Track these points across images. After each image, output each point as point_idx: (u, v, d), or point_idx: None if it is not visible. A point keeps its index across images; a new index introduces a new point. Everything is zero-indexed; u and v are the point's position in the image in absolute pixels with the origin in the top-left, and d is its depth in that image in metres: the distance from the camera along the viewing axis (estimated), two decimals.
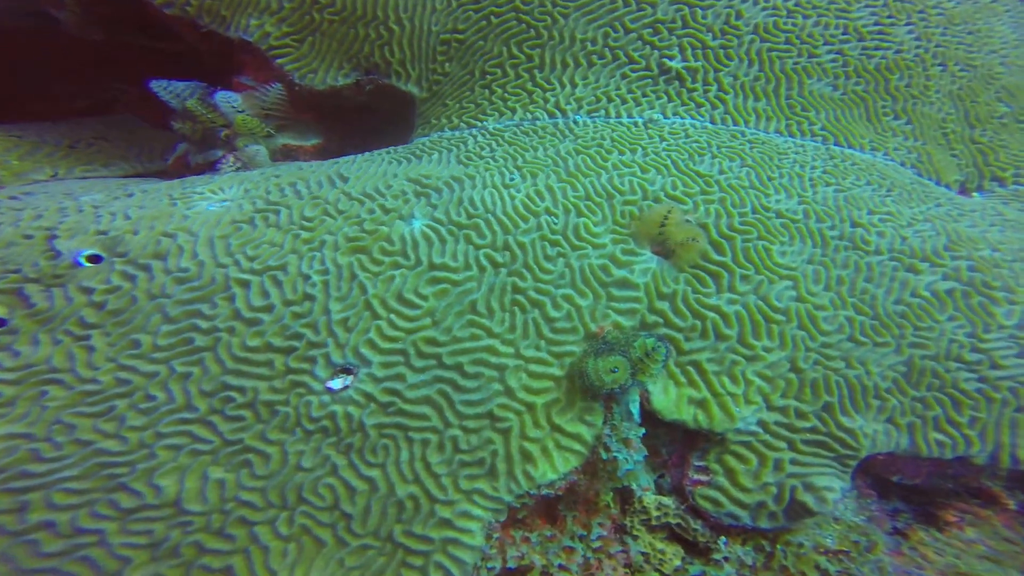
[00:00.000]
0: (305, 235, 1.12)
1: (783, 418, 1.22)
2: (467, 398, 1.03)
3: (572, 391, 1.14)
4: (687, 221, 1.40)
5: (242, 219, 1.15)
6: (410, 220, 1.21)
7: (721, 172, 1.56)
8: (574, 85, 1.86)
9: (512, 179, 1.46)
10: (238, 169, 1.78)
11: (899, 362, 1.28)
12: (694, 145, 1.66)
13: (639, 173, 1.52)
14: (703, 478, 1.20)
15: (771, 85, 1.89)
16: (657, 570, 1.15)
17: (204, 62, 2.28)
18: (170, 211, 1.16)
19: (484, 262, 1.19)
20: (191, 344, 1.02)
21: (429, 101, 1.99)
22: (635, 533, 1.19)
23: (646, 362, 1.12)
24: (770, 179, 1.57)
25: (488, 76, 1.92)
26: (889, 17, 2.09)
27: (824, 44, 1.98)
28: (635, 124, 1.76)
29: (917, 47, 2.12)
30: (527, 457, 1.01)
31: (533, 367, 1.11)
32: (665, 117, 1.81)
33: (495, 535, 0.98)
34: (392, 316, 1.05)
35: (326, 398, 0.97)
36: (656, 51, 1.89)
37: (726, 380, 1.23)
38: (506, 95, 1.86)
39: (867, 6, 2.07)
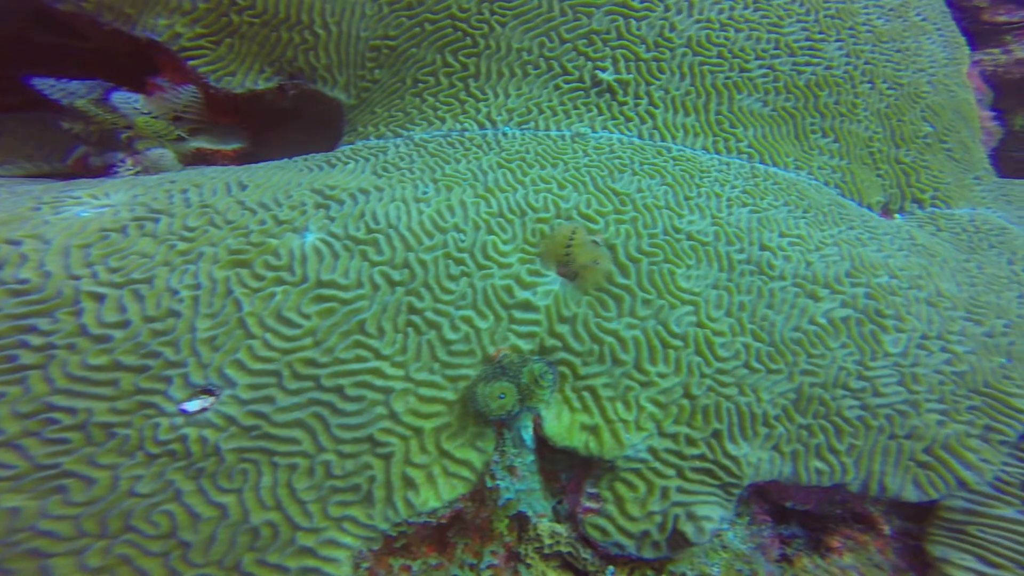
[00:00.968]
0: (182, 246, 1.06)
1: (673, 445, 1.24)
2: (345, 422, 1.01)
3: (465, 416, 1.13)
4: (594, 242, 1.40)
5: (112, 227, 1.08)
6: (303, 233, 1.17)
7: (639, 191, 1.56)
8: (507, 95, 1.82)
9: (425, 192, 1.42)
10: (138, 173, 1.70)
11: (790, 389, 1.32)
12: (616, 161, 1.65)
13: (556, 189, 1.50)
14: (594, 505, 1.22)
15: (701, 100, 1.89)
16: None
17: (119, 63, 2.15)
18: (27, 216, 1.08)
19: (379, 280, 1.16)
20: (13, 362, 0.95)
21: (358, 108, 1.93)
22: (528, 561, 1.20)
23: (534, 389, 1.12)
24: (687, 199, 1.58)
25: (420, 84, 1.86)
26: (820, 33, 2.11)
27: (755, 59, 1.98)
28: (562, 138, 1.74)
29: (847, 64, 2.15)
30: (409, 483, 1.00)
31: (424, 391, 1.10)
32: (593, 131, 1.79)
33: (364, 564, 0.97)
34: (268, 336, 1.01)
35: (178, 420, 0.93)
36: (590, 62, 1.87)
37: (619, 406, 1.25)
38: (438, 104, 1.81)
39: (799, 21, 2.08)
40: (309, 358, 1.01)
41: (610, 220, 1.45)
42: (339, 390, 1.01)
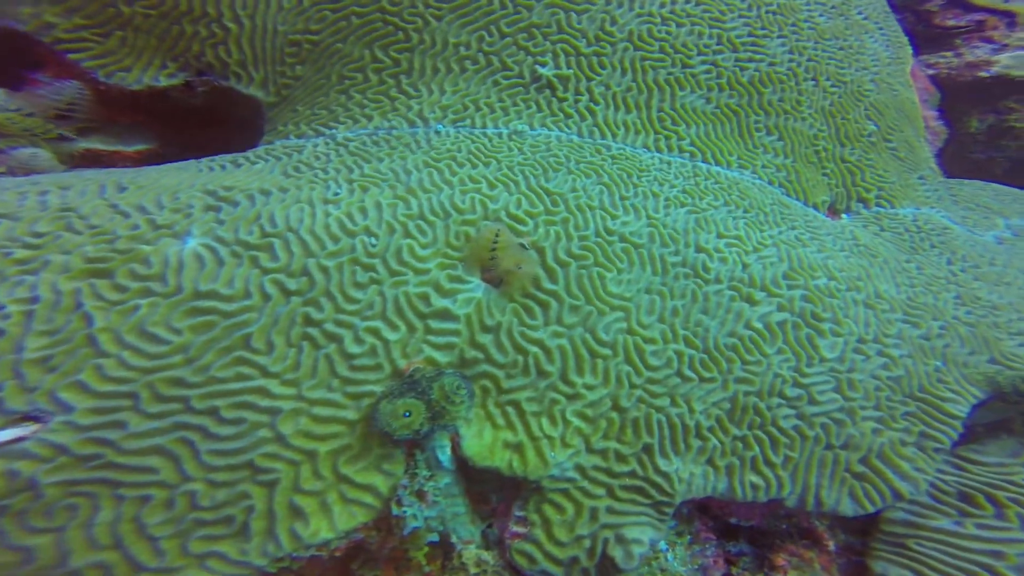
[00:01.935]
0: (21, 254, 0.93)
1: (602, 462, 1.17)
2: (219, 447, 0.89)
3: (369, 436, 1.03)
4: (521, 245, 1.32)
5: None
6: (184, 238, 1.05)
7: (573, 190, 1.49)
8: (442, 92, 1.73)
9: (336, 194, 1.31)
10: (1, 175, 1.53)
11: (724, 399, 1.27)
12: (552, 160, 1.58)
13: (485, 190, 1.42)
14: (521, 530, 1.13)
15: (643, 96, 1.84)
16: None
17: (3, 59, 1.96)
18: None
19: (271, 289, 1.05)
20: None
21: (278, 106, 1.79)
22: None
23: (444, 405, 1.03)
24: (623, 199, 1.52)
25: (347, 81, 1.74)
26: (762, 29, 2.09)
27: (698, 55, 1.95)
28: (499, 136, 1.66)
29: (790, 61, 2.14)
30: (297, 513, 0.90)
31: (319, 410, 1.00)
32: (532, 129, 1.72)
33: None
34: (124, 354, 0.89)
35: None
36: (530, 57, 1.79)
37: (544, 421, 1.17)
38: (365, 101, 1.71)
39: (740, 16, 2.05)
40: (176, 378, 0.90)
41: (540, 222, 1.38)
42: (213, 412, 0.89)
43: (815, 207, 2.05)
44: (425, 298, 1.18)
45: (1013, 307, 1.75)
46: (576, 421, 1.17)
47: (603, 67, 1.82)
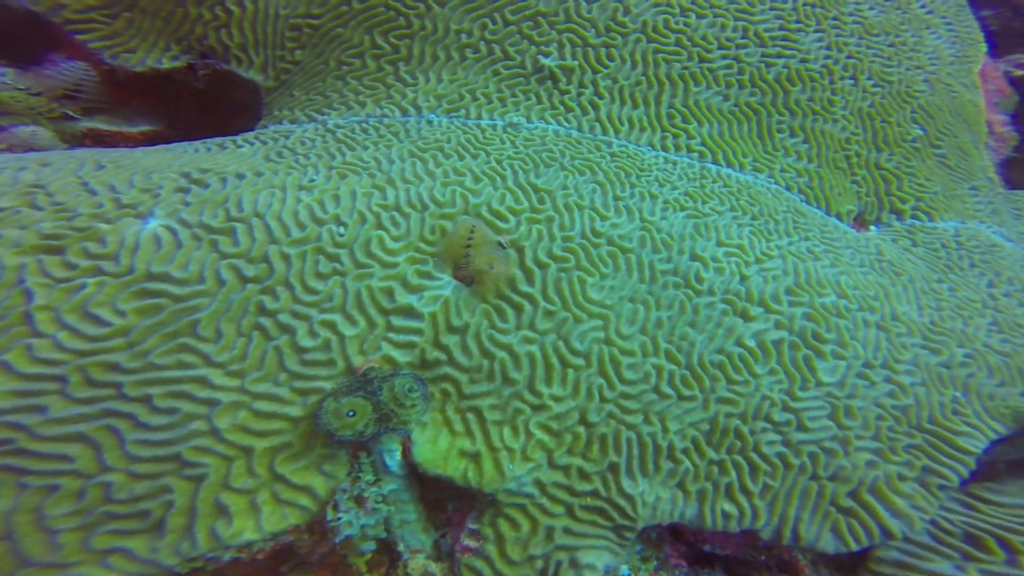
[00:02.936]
0: None
1: (563, 478, 1.12)
2: (147, 437, 0.88)
3: (312, 435, 1.01)
4: (498, 243, 1.27)
5: None
6: (146, 218, 1.06)
7: (563, 188, 1.43)
8: (439, 80, 1.69)
9: (312, 180, 1.30)
10: (1, 152, 1.59)
11: (703, 419, 1.19)
12: (545, 155, 1.52)
13: (468, 183, 1.37)
14: (473, 544, 1.10)
15: (652, 91, 1.75)
16: None
17: (23, 39, 2.04)
18: None
19: (226, 275, 1.05)
20: None
21: (276, 91, 1.80)
22: None
23: (393, 407, 1.00)
24: (617, 199, 1.45)
25: (344, 67, 1.73)
26: (796, 22, 1.96)
27: (719, 48, 1.84)
28: (492, 127, 1.61)
29: (826, 57, 2.00)
30: (220, 511, 0.89)
31: (261, 404, 0.98)
32: (529, 121, 1.66)
33: None
34: (60, 335, 0.89)
35: None
36: (533, 47, 1.73)
37: (506, 431, 1.13)
38: (361, 88, 1.69)
39: (772, 8, 1.93)
40: (112, 362, 0.90)
41: (523, 219, 1.33)
42: (146, 400, 0.89)
43: (839, 217, 1.92)
44: (389, 293, 1.15)
45: None
46: (539, 434, 1.13)
47: (611, 59, 1.74)
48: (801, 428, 1.18)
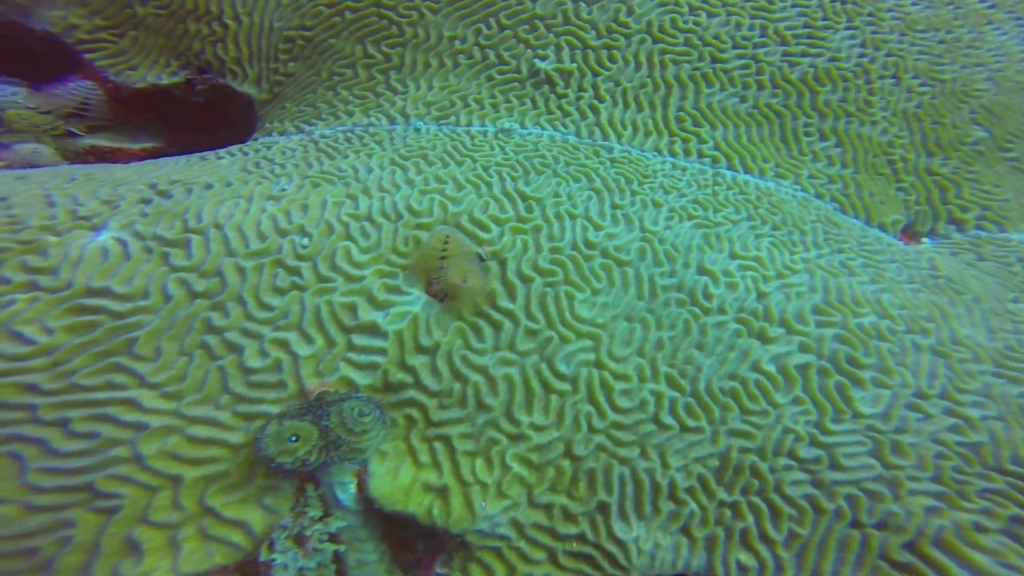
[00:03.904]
0: None
1: (545, 520, 1.02)
2: (55, 465, 0.84)
3: (253, 464, 0.96)
4: (477, 255, 1.22)
5: None
6: (100, 231, 1.06)
7: (554, 195, 1.37)
8: (429, 87, 1.70)
9: (284, 190, 1.29)
10: (16, 173, 1.67)
11: (711, 454, 1.07)
12: (536, 161, 1.48)
13: (449, 191, 1.34)
14: None
15: (659, 94, 1.70)
16: None
17: (46, 60, 2.21)
18: None
19: (173, 289, 1.03)
20: None
21: (270, 104, 1.86)
22: None
23: (342, 435, 0.94)
24: (615, 207, 1.38)
25: (336, 77, 1.77)
26: (823, 19, 1.89)
27: (733, 48, 1.78)
28: (483, 134, 1.59)
29: (860, 56, 1.91)
30: (130, 549, 0.83)
31: (197, 430, 0.94)
32: (522, 128, 1.64)
33: None
34: None
35: None
36: (529, 50, 1.72)
37: (479, 464, 1.04)
38: (350, 97, 1.72)
39: (794, 5, 1.87)
40: (28, 384, 0.88)
41: (507, 229, 1.28)
42: (63, 424, 0.86)
43: (882, 228, 1.79)
44: (351, 309, 1.11)
45: None
46: (517, 467, 1.04)
47: (613, 61, 1.71)
48: (835, 467, 1.05)
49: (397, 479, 1.02)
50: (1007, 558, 1.02)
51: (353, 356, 1.07)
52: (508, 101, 1.66)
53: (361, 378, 1.06)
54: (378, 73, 1.75)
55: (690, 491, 1.04)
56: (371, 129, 1.61)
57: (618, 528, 1.00)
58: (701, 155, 1.64)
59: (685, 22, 1.76)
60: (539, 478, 1.04)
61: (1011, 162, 2.04)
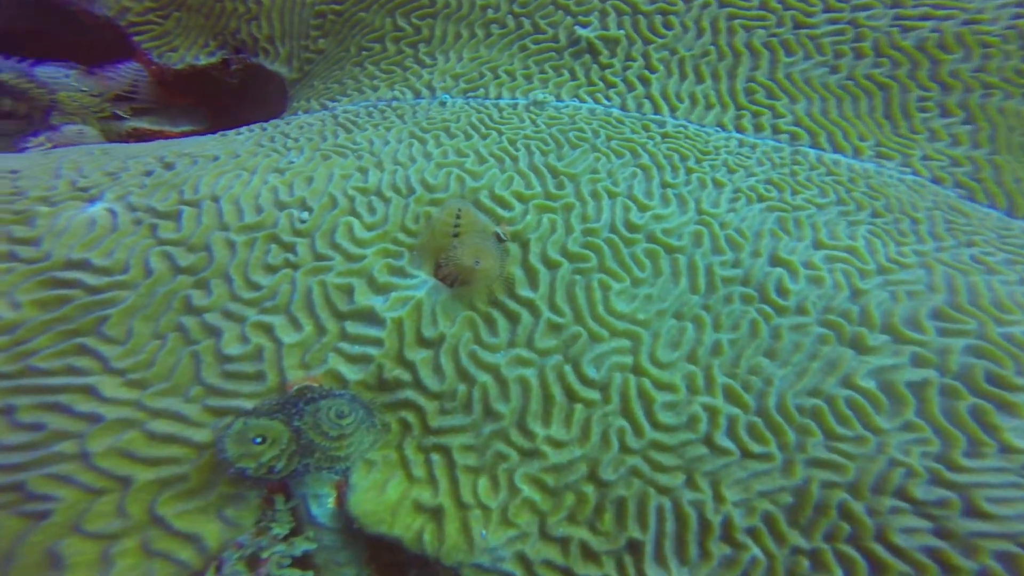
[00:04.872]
0: None
1: (560, 558, 0.85)
2: None
3: (216, 468, 0.86)
4: (496, 235, 1.09)
5: None
6: (94, 201, 1.03)
7: (592, 172, 1.23)
8: (459, 59, 1.63)
9: (292, 162, 1.23)
10: (48, 150, 1.75)
11: (783, 488, 0.86)
12: (573, 134, 1.34)
13: (469, 164, 1.23)
14: None
15: (724, 63, 1.52)
16: None
17: (105, 45, 2.36)
18: None
19: (156, 263, 0.97)
20: None
21: (300, 82, 1.87)
22: None
23: (315, 439, 0.83)
24: (666, 186, 1.21)
25: (364, 52, 1.75)
26: None
27: (824, 11, 1.58)
28: (513, 107, 1.48)
29: (1016, 16, 1.64)
30: (51, 562, 0.74)
31: (157, 425, 0.86)
32: (559, 100, 1.51)
33: None
34: None
35: None
36: (569, 17, 1.60)
37: (482, 483, 0.90)
38: (377, 72, 1.68)
39: None
40: None
41: (532, 207, 1.14)
42: (7, 413, 0.80)
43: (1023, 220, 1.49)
44: (347, 291, 1.01)
45: None
46: (528, 490, 0.88)
47: (669, 27, 1.55)
48: (975, 514, 0.82)
49: (383, 495, 0.89)
50: None
51: (345, 346, 0.97)
52: (543, 72, 1.55)
53: (352, 372, 0.96)
54: (407, 46, 1.70)
55: (752, 532, 0.84)
56: (394, 103, 1.54)
57: (652, 573, 0.82)
58: (777, 131, 1.44)
59: None
60: (555, 505, 0.88)
61: None
